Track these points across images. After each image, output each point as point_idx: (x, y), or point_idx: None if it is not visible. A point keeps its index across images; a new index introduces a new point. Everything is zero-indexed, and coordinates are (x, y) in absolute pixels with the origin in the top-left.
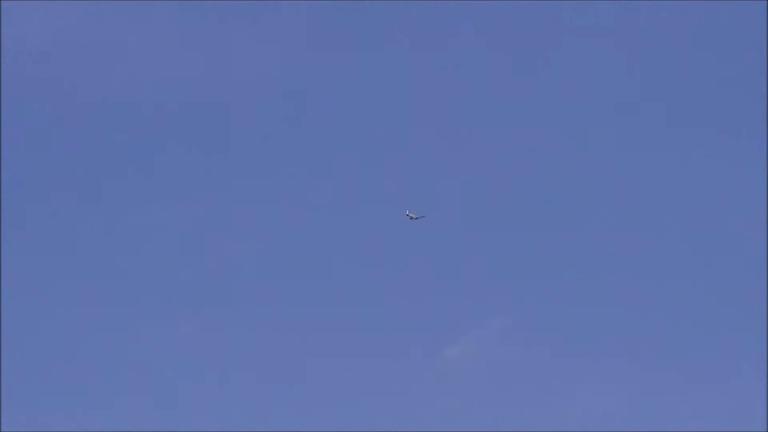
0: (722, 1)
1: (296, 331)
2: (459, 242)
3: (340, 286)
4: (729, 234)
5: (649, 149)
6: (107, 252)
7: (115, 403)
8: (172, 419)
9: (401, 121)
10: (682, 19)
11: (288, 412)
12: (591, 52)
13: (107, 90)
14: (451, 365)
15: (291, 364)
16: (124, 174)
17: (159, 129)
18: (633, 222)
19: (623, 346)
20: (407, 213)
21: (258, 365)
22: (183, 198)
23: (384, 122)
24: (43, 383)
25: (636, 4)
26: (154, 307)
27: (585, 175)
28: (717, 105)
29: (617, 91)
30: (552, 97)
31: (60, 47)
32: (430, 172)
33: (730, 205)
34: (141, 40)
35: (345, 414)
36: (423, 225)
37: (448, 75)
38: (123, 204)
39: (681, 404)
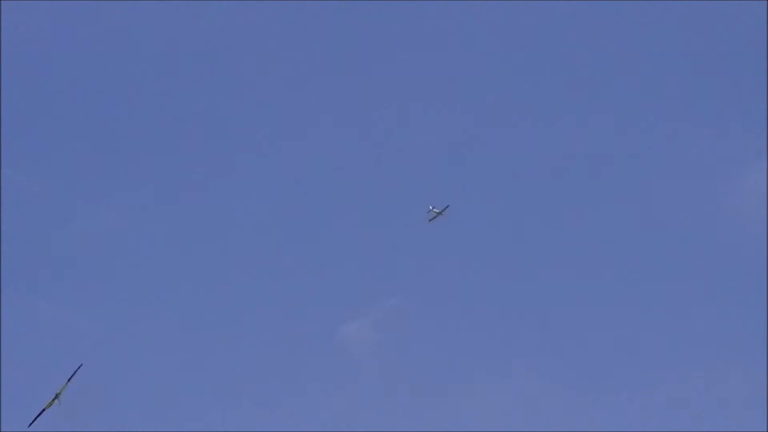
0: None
1: (190, 308)
2: (362, 218)
3: (237, 259)
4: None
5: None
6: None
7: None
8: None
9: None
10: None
11: (189, 399)
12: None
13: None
14: (346, 343)
15: (191, 355)
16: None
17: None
18: (543, 192)
19: (530, 331)
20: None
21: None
22: None
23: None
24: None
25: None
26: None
27: (489, 148)
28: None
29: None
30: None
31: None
32: (330, 152)
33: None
34: None
35: (236, 391)
36: (323, 200)
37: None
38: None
39: (585, 404)
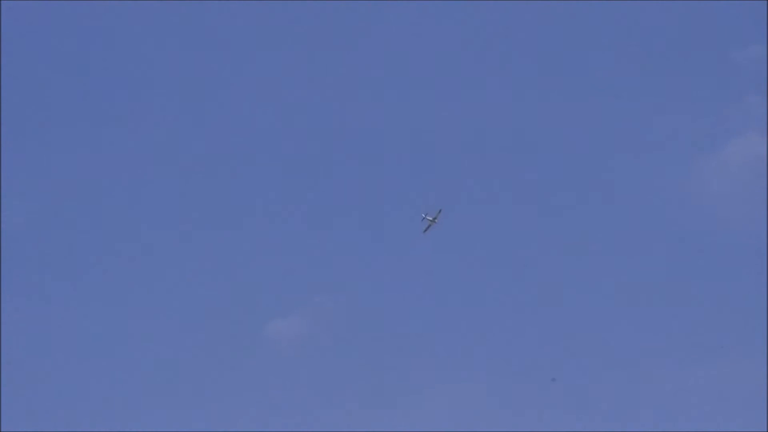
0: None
1: (112, 303)
2: (293, 213)
3: (163, 252)
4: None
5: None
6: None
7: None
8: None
9: None
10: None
11: (112, 398)
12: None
13: None
14: (275, 339)
15: (117, 354)
16: None
17: None
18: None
19: (472, 324)
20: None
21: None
22: None
23: None
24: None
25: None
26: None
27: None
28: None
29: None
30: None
31: None
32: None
33: None
34: None
35: (164, 386)
36: (252, 193)
37: None
38: None
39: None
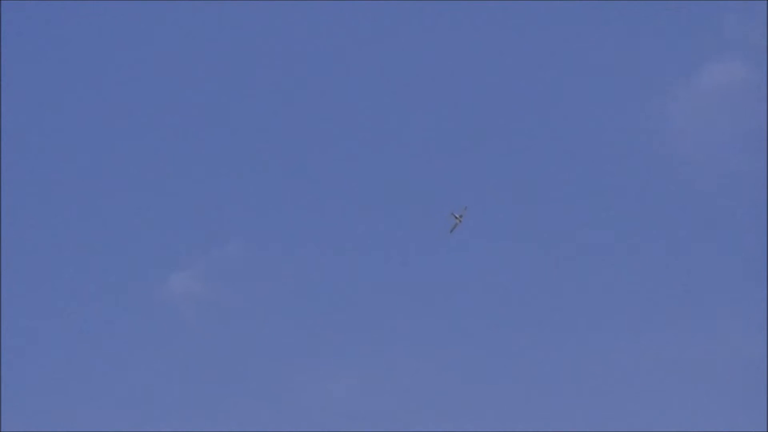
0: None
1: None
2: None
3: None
4: None
5: None
6: None
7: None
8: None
9: None
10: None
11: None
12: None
13: None
14: (175, 293)
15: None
16: None
17: None
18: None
19: (396, 282)
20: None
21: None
22: None
23: None
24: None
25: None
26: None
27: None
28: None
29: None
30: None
31: None
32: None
33: None
34: None
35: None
36: (150, 135)
37: None
38: None
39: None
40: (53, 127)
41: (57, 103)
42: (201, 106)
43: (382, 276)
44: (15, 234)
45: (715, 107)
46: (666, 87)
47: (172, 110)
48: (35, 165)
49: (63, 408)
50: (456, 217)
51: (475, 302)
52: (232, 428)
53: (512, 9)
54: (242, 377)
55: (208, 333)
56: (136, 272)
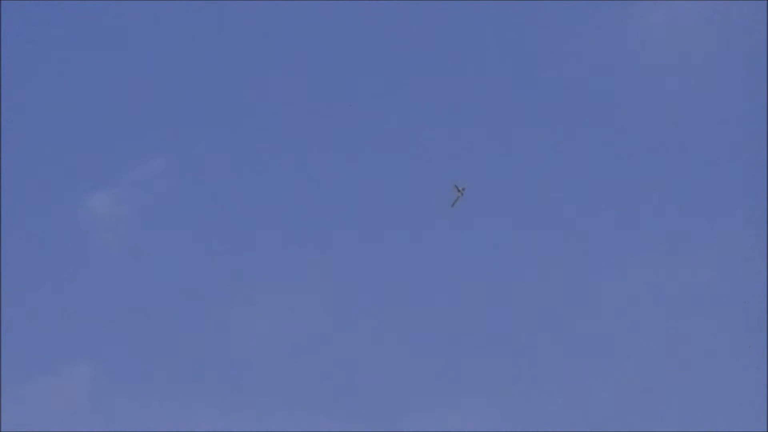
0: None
1: None
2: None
3: None
4: None
5: None
6: None
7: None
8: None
9: None
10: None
11: None
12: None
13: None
14: (96, 215)
15: None
16: None
17: None
18: None
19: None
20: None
21: None
22: None
23: None
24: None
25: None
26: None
27: None
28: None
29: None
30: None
31: None
32: None
33: None
34: None
35: None
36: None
37: None
38: None
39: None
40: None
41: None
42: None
43: (314, 188)
44: None
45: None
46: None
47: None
48: None
49: None
50: (458, 190)
51: None
52: (153, 354)
53: None
54: (162, 301)
55: (127, 256)
56: (52, 193)
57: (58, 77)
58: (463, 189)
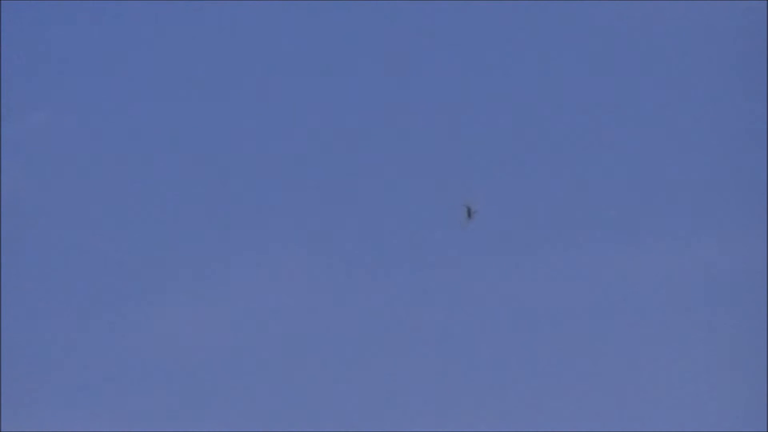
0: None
1: None
2: None
3: None
4: None
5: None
6: None
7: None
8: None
9: None
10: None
11: None
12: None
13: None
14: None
15: None
16: None
17: None
18: None
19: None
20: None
21: None
22: None
23: None
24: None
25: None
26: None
27: None
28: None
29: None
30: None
31: None
32: None
33: None
34: None
35: None
36: None
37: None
38: None
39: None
40: None
41: None
42: None
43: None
44: None
45: None
46: None
47: None
48: None
49: None
50: (469, 212)
51: None
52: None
53: None
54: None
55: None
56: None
57: None
58: (475, 211)
